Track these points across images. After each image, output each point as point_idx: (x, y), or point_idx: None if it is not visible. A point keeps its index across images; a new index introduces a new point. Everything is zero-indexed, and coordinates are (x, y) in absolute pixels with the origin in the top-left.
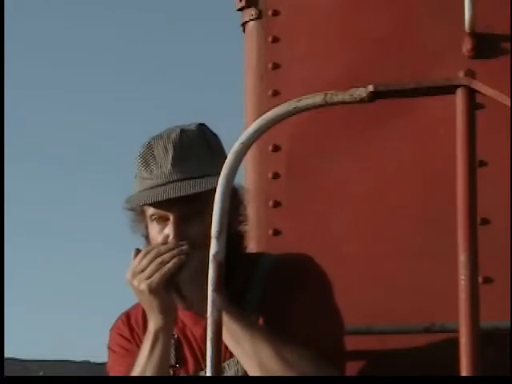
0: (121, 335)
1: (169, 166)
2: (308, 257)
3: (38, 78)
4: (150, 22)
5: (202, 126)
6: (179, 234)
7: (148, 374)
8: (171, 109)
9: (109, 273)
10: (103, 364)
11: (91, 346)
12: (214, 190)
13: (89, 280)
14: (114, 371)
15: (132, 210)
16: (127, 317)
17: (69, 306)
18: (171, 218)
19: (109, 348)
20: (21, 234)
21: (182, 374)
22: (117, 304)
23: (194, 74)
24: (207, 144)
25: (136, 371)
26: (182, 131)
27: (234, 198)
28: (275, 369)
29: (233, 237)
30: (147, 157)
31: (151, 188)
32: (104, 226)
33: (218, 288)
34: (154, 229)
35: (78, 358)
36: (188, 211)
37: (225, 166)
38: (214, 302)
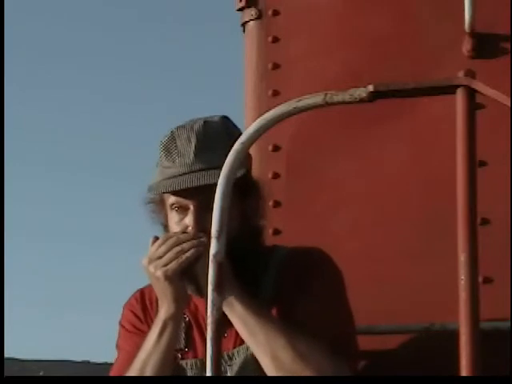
0: (133, 313)
1: (191, 155)
2: (321, 250)
3: (38, 79)
4: (149, 22)
5: (224, 119)
6: (199, 223)
7: (153, 360)
8: (171, 109)
9: (109, 273)
10: (103, 364)
11: (91, 345)
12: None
13: (89, 280)
14: (122, 348)
15: (152, 201)
16: (142, 295)
17: (69, 306)
18: (191, 207)
19: (120, 324)
20: (21, 234)
21: (190, 358)
22: (117, 304)
23: (194, 73)
24: (229, 135)
25: (141, 357)
26: (206, 122)
27: (255, 193)
28: (288, 360)
29: (252, 231)
30: (169, 146)
31: (173, 177)
32: (104, 226)
33: (217, 288)
34: (173, 218)
35: (78, 358)
36: (208, 201)
37: (225, 165)
38: (213, 301)
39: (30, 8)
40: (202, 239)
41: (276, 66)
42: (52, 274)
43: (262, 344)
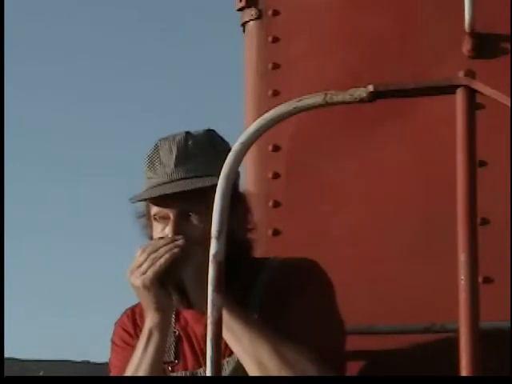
0: (124, 330)
1: (172, 165)
2: (312, 261)
3: (38, 79)
4: (149, 22)
5: (209, 131)
6: (178, 231)
7: (141, 371)
8: (172, 109)
9: (109, 273)
10: (103, 364)
11: (91, 345)
12: (215, 188)
13: (89, 280)
14: (114, 365)
15: (141, 215)
16: (132, 312)
17: (69, 306)
18: (171, 215)
19: (112, 341)
20: (21, 234)
21: (180, 371)
22: (117, 304)
23: (194, 74)
24: (213, 146)
25: (129, 369)
26: (188, 133)
27: (241, 204)
28: (273, 367)
29: (239, 243)
30: (153, 157)
31: (154, 186)
32: (104, 226)
33: (217, 288)
34: (156, 228)
35: (78, 358)
36: (188, 209)
37: (225, 165)
38: (213, 301)
39: (30, 8)
40: (177, 242)
41: (276, 66)
42: (52, 273)
43: (247, 350)
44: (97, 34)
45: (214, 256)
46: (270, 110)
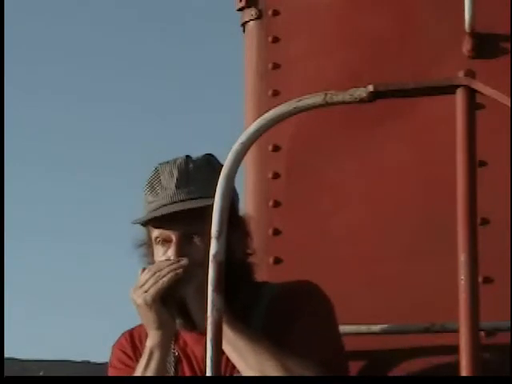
0: (123, 352)
1: (173, 187)
2: (311, 283)
3: (38, 79)
4: (149, 22)
5: (208, 155)
6: (181, 253)
7: None
8: (172, 109)
9: (109, 273)
10: (103, 364)
11: (91, 345)
12: None
13: (89, 280)
14: None
15: (142, 243)
16: (130, 335)
17: (69, 306)
18: (173, 238)
19: (110, 364)
20: (21, 234)
21: None
22: (117, 304)
23: (194, 74)
24: (212, 169)
25: None
26: (188, 157)
27: (240, 227)
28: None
29: (237, 267)
30: (153, 181)
31: (156, 209)
32: (105, 226)
33: (217, 288)
34: (157, 252)
35: (78, 358)
36: (191, 231)
37: (225, 165)
38: (213, 301)
39: (30, 8)
40: (180, 263)
41: (276, 66)
42: (52, 273)
43: (251, 365)
44: (97, 33)
45: (214, 256)
46: (269, 110)
